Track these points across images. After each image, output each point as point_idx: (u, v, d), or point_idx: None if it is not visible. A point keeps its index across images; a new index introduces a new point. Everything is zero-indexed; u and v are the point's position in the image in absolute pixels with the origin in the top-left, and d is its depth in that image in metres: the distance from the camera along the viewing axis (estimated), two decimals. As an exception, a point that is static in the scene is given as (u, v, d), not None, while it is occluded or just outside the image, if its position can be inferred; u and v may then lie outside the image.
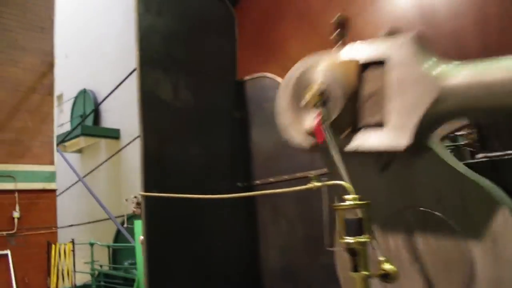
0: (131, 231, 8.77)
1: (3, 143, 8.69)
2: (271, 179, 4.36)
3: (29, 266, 8.76)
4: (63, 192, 11.27)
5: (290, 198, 4.24)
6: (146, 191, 3.68)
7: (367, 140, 2.51)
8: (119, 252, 10.74)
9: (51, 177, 9.48)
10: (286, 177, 4.25)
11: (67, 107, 14.76)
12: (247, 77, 4.68)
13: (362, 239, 2.27)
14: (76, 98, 14.35)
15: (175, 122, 4.09)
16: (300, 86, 2.71)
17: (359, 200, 2.32)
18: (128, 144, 11.17)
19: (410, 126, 2.35)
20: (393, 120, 2.40)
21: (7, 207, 8.77)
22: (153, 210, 3.73)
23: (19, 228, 8.77)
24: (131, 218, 9.54)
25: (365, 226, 2.30)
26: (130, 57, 11.44)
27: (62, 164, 11.49)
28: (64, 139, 12.89)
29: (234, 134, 4.64)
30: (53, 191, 9.58)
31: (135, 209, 7.42)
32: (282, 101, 2.88)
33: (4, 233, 8.58)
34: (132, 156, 12.05)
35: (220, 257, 4.20)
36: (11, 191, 8.85)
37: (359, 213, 2.29)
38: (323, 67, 2.65)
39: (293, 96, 2.79)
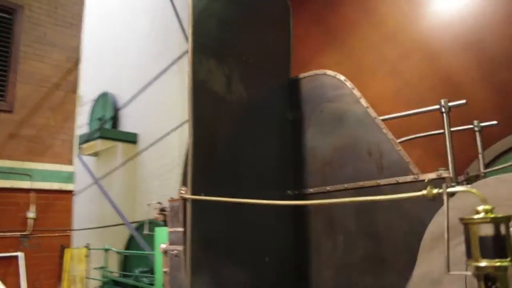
0: (149, 239, 8.22)
1: (23, 139, 8.20)
2: (328, 188, 3.81)
3: (41, 270, 8.17)
4: (78, 193, 10.75)
5: (349, 209, 3.68)
6: (193, 194, 3.14)
7: None
8: (130, 259, 10.21)
9: (70, 177, 8.96)
10: (346, 185, 3.70)
11: (85, 109, 14.31)
12: (303, 75, 4.16)
13: (502, 262, 1.73)
14: (96, 100, 13.91)
15: (228, 118, 3.56)
16: None
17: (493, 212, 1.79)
18: (147, 148, 10.69)
19: None
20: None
21: (22, 207, 8.23)
22: (199, 218, 3.18)
23: (34, 230, 8.21)
24: (149, 224, 9.01)
25: (506, 246, 1.76)
26: (152, 63, 11.09)
27: (76, 167, 11.00)
28: (84, 141, 12.41)
29: (286, 137, 4.11)
30: (70, 192, 9.05)
31: (157, 215, 6.85)
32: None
33: (18, 233, 8.02)
34: (149, 161, 11.60)
35: (265, 276, 3.63)
36: (27, 190, 8.33)
37: (499, 229, 1.76)
38: None
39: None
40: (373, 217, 3.53)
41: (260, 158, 3.82)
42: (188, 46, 3.38)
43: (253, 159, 3.73)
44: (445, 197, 1.96)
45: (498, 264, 1.71)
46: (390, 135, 3.54)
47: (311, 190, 3.93)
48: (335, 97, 3.90)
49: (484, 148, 4.50)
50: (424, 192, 2.01)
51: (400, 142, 3.55)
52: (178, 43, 10.02)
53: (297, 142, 4.10)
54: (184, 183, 5.98)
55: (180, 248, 5.10)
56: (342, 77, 3.88)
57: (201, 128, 3.22)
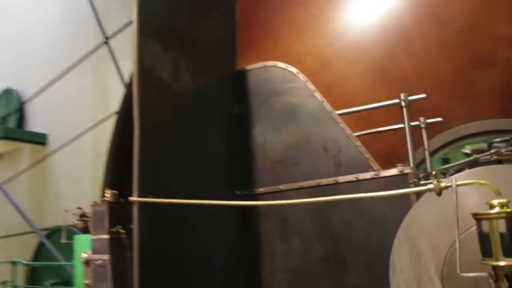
0: (63, 248, 7.34)
1: None
2: (281, 187, 3.49)
3: None
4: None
5: (305, 210, 3.39)
6: (139, 195, 2.63)
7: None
8: (38, 270, 9.11)
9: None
10: (301, 184, 3.41)
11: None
12: (250, 66, 3.80)
13: None
14: (-3, 97, 12.35)
15: (175, 110, 3.10)
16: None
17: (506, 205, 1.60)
18: (59, 149, 9.64)
19: None
20: None
21: None
22: (147, 222, 2.68)
23: None
24: (57, 232, 8.07)
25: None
26: (62, 57, 10.05)
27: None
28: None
29: (232, 133, 3.72)
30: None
31: (77, 222, 6.06)
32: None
33: None
34: (60, 163, 10.51)
35: (217, 284, 3.22)
36: None
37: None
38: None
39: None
40: (331, 217, 3.27)
41: (207, 156, 3.40)
42: (133, 26, 2.87)
43: (200, 157, 3.30)
44: (454, 191, 1.71)
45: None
46: (348, 130, 3.31)
47: (262, 189, 3.58)
48: (287, 90, 3.59)
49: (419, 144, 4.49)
50: (430, 186, 1.75)
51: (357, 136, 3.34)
52: (93, 35, 9.16)
53: (245, 138, 3.74)
54: (109, 185, 5.35)
55: (105, 257, 4.49)
56: (294, 70, 3.59)
57: (148, 120, 2.72)
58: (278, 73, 3.65)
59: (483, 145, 4.28)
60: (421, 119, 4.08)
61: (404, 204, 2.98)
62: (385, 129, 3.91)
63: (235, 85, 3.81)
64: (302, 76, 3.54)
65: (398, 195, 3.02)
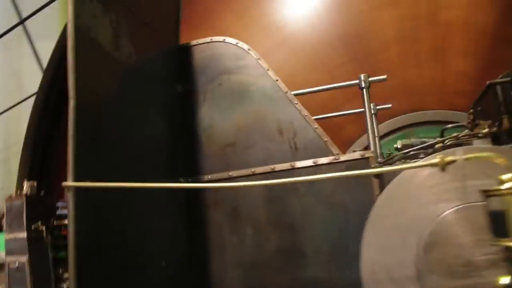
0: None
1: None
2: (231, 173, 3.12)
3: None
4: None
5: (258, 198, 3.06)
6: (77, 179, 2.12)
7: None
8: None
9: None
10: (253, 170, 3.07)
11: None
12: (196, 41, 3.37)
13: None
14: None
15: (116, 82, 2.60)
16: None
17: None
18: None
19: None
20: None
21: None
22: (85, 213, 2.18)
23: None
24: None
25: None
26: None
27: None
28: None
29: (176, 114, 3.28)
30: None
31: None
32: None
33: None
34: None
35: (163, 283, 2.79)
36: None
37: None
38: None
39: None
40: (288, 206, 2.97)
41: (148, 138, 2.93)
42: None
43: (141, 140, 2.83)
44: (460, 165, 1.48)
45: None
46: (305, 112, 3.03)
47: (209, 176, 3.19)
48: (238, 68, 3.23)
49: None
50: (434, 160, 1.49)
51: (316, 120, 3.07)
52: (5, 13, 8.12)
53: (190, 119, 3.32)
54: (27, 176, 4.63)
55: (23, 259, 3.86)
56: (245, 46, 3.23)
57: (86, 90, 2.20)
58: (227, 50, 3.27)
59: (415, 140, 4.27)
60: (371, 105, 3.92)
61: (365, 190, 2.78)
62: (344, 113, 3.68)
63: (179, 61, 3.36)
64: (254, 53, 3.19)
65: (359, 182, 2.83)
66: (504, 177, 1.42)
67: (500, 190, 1.41)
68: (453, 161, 1.47)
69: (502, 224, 1.40)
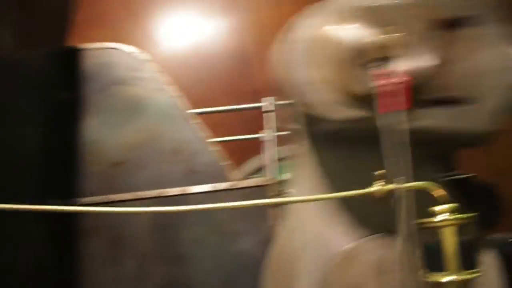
0: None
1: None
2: (114, 197, 2.71)
3: None
4: None
5: (143, 226, 2.69)
6: None
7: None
8: None
9: None
10: (140, 193, 2.70)
11: None
12: (87, 45, 2.96)
13: (470, 274, 1.28)
14: None
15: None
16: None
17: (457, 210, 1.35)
18: None
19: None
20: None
21: None
22: None
23: None
24: None
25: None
26: None
27: None
28: None
29: (53, 125, 2.79)
30: None
31: None
32: (299, 47, 1.66)
33: None
34: None
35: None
36: None
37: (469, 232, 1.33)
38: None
39: (323, 48, 1.62)
40: (176, 235, 2.64)
41: (17, 153, 2.42)
42: None
43: (7, 154, 2.32)
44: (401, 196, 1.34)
45: (469, 276, 1.25)
46: (203, 132, 2.78)
47: (87, 199, 2.74)
48: (132, 79, 2.88)
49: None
50: (374, 188, 1.33)
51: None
52: None
53: (70, 133, 2.86)
54: None
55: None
56: (143, 56, 2.92)
57: None
58: (122, 58, 2.91)
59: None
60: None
61: (261, 219, 2.59)
62: (245, 137, 3.47)
63: (64, 65, 2.92)
64: (152, 65, 2.89)
65: (255, 210, 2.63)
66: (438, 208, 1.33)
67: (434, 222, 1.32)
68: (393, 190, 1.34)
69: (436, 258, 1.30)
